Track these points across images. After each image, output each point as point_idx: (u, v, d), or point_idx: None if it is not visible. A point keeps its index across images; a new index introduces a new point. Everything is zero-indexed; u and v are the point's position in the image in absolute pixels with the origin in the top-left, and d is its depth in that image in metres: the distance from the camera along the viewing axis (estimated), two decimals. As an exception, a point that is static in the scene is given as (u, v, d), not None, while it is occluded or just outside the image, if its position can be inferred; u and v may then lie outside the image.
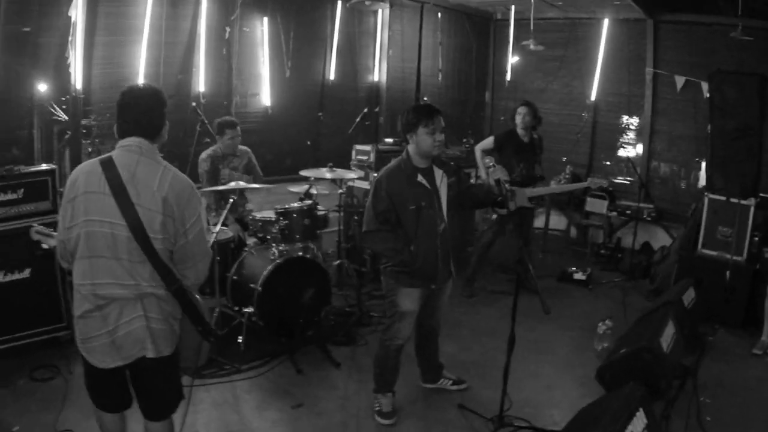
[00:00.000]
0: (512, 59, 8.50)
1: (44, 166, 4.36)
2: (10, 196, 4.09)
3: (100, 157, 2.48)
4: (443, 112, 3.54)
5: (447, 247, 3.59)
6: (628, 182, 7.40)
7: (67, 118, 4.96)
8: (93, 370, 2.53)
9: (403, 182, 3.48)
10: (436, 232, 3.52)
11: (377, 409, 3.80)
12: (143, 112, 2.50)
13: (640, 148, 7.67)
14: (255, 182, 5.20)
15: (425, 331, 3.96)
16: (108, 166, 2.41)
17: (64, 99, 4.95)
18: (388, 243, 3.48)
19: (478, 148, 5.99)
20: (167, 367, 2.59)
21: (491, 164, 3.54)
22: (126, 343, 2.46)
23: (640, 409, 3.03)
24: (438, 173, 3.59)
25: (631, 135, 7.79)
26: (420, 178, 3.50)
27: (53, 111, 4.87)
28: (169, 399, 2.71)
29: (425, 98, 7.88)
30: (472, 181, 6.22)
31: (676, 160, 7.51)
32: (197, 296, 2.68)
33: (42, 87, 4.86)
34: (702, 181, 7.29)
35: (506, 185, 3.43)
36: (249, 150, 5.46)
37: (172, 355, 2.59)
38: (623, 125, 7.86)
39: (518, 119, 5.79)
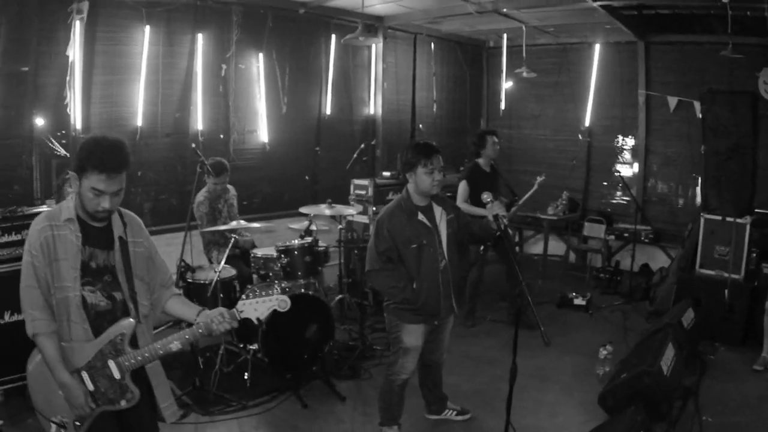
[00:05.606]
0: (506, 86, 8.58)
1: (45, 207, 4.36)
2: (14, 237, 4.12)
3: None
4: (439, 142, 3.60)
5: (448, 282, 3.65)
6: (624, 202, 7.43)
7: (67, 153, 5.00)
8: None
9: (404, 221, 3.54)
10: (437, 268, 3.57)
11: (383, 443, 3.81)
12: None
13: (635, 169, 7.73)
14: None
15: (429, 365, 3.99)
16: None
17: (60, 134, 4.99)
18: (391, 281, 3.54)
19: (461, 202, 5.56)
20: None
21: (489, 199, 3.59)
22: None
23: (642, 433, 3.09)
24: (437, 210, 3.66)
25: (626, 157, 7.85)
26: (420, 216, 3.56)
27: (52, 145, 4.89)
28: None
29: (420, 125, 7.94)
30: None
31: (671, 180, 7.57)
32: None
33: (41, 125, 4.91)
34: (699, 198, 7.38)
35: (504, 220, 3.48)
36: (235, 192, 5.52)
37: None
38: (618, 148, 7.92)
39: (492, 149, 5.67)
